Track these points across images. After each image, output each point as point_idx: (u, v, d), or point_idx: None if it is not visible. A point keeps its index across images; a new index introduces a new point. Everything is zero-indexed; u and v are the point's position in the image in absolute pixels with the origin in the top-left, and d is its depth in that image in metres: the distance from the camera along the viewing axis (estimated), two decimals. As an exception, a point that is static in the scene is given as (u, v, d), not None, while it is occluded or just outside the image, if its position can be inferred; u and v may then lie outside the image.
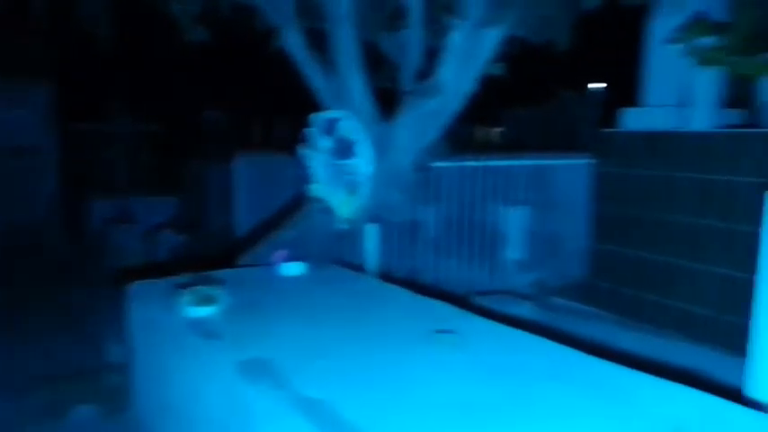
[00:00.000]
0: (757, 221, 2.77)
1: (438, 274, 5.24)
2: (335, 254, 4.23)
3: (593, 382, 2.20)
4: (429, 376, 2.23)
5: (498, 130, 15.57)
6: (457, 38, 4.58)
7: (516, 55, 4.90)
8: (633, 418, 1.96)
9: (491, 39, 4.59)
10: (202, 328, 2.65)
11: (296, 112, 4.95)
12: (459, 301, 3.39)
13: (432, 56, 4.84)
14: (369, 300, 3.17)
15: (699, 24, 4.78)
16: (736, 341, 3.27)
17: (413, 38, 4.89)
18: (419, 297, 3.16)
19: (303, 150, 4.44)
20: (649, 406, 2.04)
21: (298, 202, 4.94)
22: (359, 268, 4.21)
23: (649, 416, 1.97)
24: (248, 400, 2.15)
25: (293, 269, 3.57)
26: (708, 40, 4.70)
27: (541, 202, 5.82)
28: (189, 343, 2.60)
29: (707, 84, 4.97)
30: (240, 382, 2.20)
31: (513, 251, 5.72)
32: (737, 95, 5.22)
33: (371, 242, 4.48)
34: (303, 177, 4.47)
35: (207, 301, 2.83)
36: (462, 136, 9.70)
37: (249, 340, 2.52)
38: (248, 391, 2.15)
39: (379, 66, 5.14)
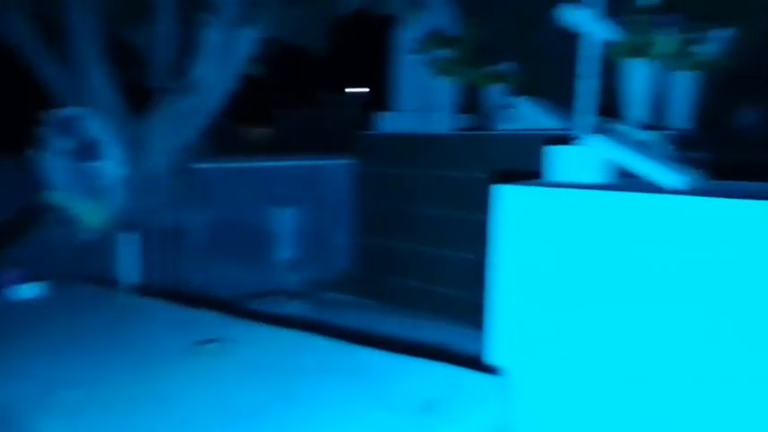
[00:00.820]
0: (487, 211, 3.17)
1: (208, 280, 5.03)
2: (82, 270, 3.77)
3: (355, 370, 2.30)
4: (191, 389, 2.11)
5: (267, 130, 15.56)
6: (212, 35, 4.43)
7: (281, 57, 4.93)
8: (389, 397, 2.10)
9: (247, 38, 4.54)
10: None
11: (24, 109, 4.30)
12: (228, 306, 3.28)
13: (187, 52, 4.61)
14: (123, 318, 2.89)
15: (435, 38, 5.34)
16: (479, 317, 3.73)
17: (163, 33, 4.60)
18: (182, 309, 2.98)
19: (35, 153, 3.87)
20: (404, 384, 2.20)
21: (29, 213, 4.29)
22: (112, 284, 3.82)
23: (404, 393, 2.13)
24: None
25: (28, 291, 3.10)
26: (443, 52, 5.28)
27: (309, 201, 5.96)
28: None
29: (444, 91, 5.58)
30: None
31: (284, 251, 5.76)
32: (470, 102, 5.96)
33: (127, 253, 4.10)
34: (36, 183, 3.90)
35: None
36: (228, 136, 9.46)
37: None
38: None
39: (128, 60, 4.73)
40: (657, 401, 2.37)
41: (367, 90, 16.24)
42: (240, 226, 5.41)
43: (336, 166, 6.27)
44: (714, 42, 3.97)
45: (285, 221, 5.77)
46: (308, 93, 13.42)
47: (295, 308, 5.22)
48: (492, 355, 2.72)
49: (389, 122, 6.01)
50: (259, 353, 2.47)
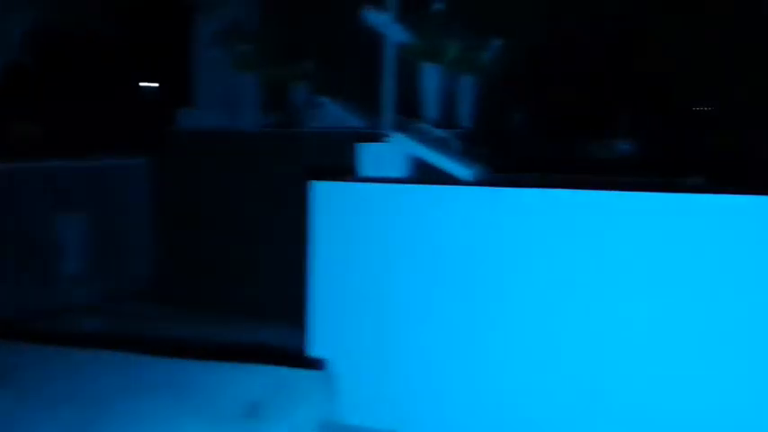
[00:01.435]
0: (300, 208, 3.19)
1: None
2: None
3: (167, 384, 2.16)
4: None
5: (37, 127, 13.70)
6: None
7: (60, 45, 4.37)
8: (208, 408, 2.01)
9: (14, 23, 3.96)
10: None
11: None
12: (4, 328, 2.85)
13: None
14: None
15: (236, 32, 5.19)
16: (298, 314, 3.75)
17: None
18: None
19: None
20: (224, 392, 2.13)
21: None
22: None
23: (225, 401, 2.05)
24: None
25: None
26: (243, 48, 5.15)
27: (100, 205, 5.40)
28: None
29: (248, 88, 5.46)
30: None
31: (72, 262, 5.16)
32: (276, 99, 5.91)
33: None
34: None
35: None
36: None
37: None
38: None
39: None
40: (472, 383, 2.60)
41: (161, 84, 15.16)
42: (15, 237, 4.73)
43: (132, 166, 5.77)
44: (491, 50, 4.46)
45: (71, 229, 5.16)
46: (94, 86, 12.13)
47: (90, 324, 4.72)
48: (314, 350, 2.75)
49: (192, 119, 5.70)
50: (45, 379, 2.18)
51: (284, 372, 2.28)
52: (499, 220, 2.52)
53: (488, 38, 4.52)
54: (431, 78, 4.05)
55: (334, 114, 4.97)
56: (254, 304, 5.43)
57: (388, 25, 3.20)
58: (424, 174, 3.17)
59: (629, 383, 2.46)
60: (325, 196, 2.71)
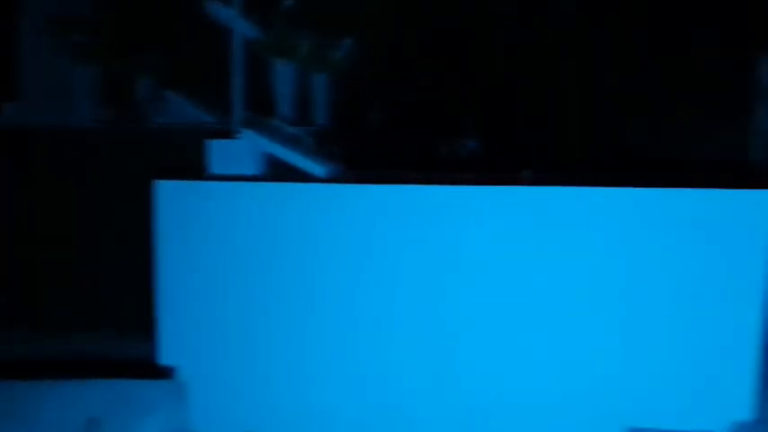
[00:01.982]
0: (145, 209, 3.00)
1: None
2: None
3: (-8, 409, 1.93)
4: None
5: None
6: None
7: None
8: (43, 428, 1.83)
9: None
10: None
11: None
12: None
13: None
14: None
15: (70, 20, 4.75)
16: (146, 322, 3.52)
17: None
18: None
19: None
20: (60, 411, 1.95)
21: None
22: None
23: (60, 421, 1.88)
24: None
25: None
26: (81, 38, 4.73)
27: None
28: None
29: (84, 80, 5.01)
30: None
31: None
32: (117, 92, 5.48)
33: None
34: None
35: None
36: None
37: None
38: None
39: None
40: (328, 387, 2.61)
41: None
42: None
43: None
44: (343, 49, 4.51)
45: None
46: None
47: None
48: (164, 358, 2.61)
49: (17, 114, 5.12)
50: None
51: (126, 384, 2.14)
52: (350, 216, 2.56)
53: (340, 36, 4.58)
54: (283, 75, 4.02)
55: (180, 109, 4.73)
56: (100, 315, 5.04)
57: (234, 19, 3.12)
58: (277, 171, 3.13)
59: (479, 373, 2.63)
60: (170, 196, 2.58)
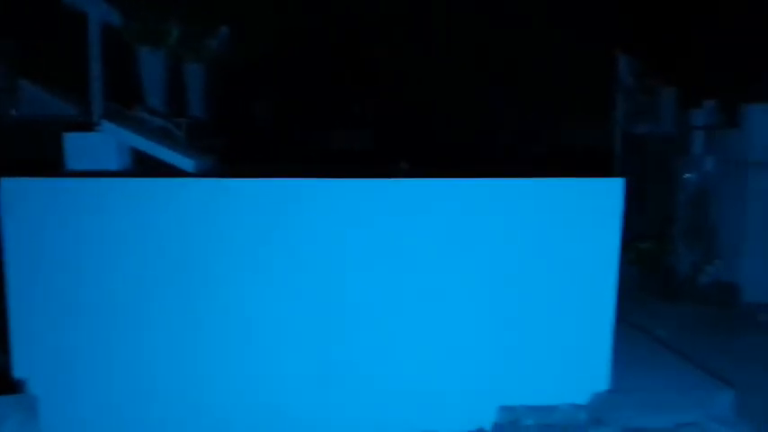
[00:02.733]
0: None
1: None
2: None
3: None
4: None
5: None
6: None
7: None
8: None
9: None
10: None
11: None
12: None
13: None
14: None
15: None
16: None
17: None
18: None
19: None
20: None
21: None
22: None
23: None
24: None
25: None
26: None
27: None
28: None
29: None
30: None
31: None
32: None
33: None
34: None
35: None
36: None
37: None
38: None
39: None
40: (186, 398, 2.50)
41: None
42: None
43: None
44: (219, 38, 4.34)
45: None
46: None
47: None
48: (17, 370, 2.39)
49: None
50: None
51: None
52: (220, 213, 2.47)
53: (216, 25, 4.40)
54: (151, 64, 3.78)
55: (37, 100, 4.36)
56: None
57: (90, 3, 2.90)
58: (143, 166, 2.96)
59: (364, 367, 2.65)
60: (17, 195, 2.36)
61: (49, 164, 2.85)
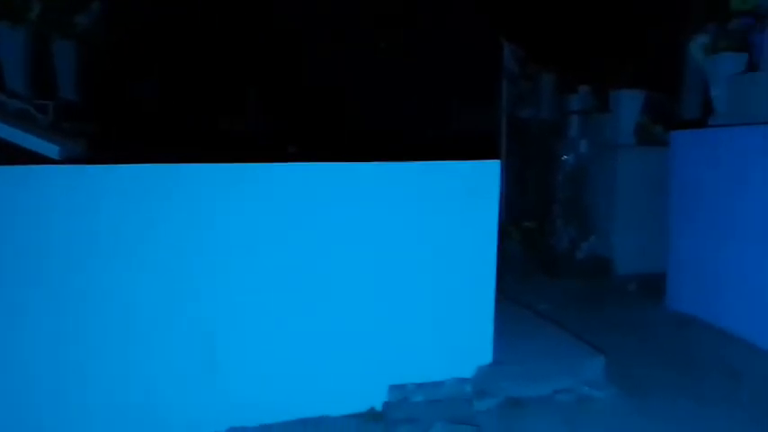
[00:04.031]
0: None
1: None
2: None
3: None
4: None
5: None
6: None
7: None
8: None
9: None
10: None
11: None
12: None
13: None
14: None
15: None
16: None
17: None
18: None
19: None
20: None
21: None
22: None
23: None
24: None
25: None
26: None
27: None
28: None
29: None
30: None
31: None
32: None
33: None
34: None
35: None
36: None
37: None
38: None
39: None
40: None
41: None
42: None
43: None
44: (90, 14, 4.04)
45: None
46: None
47: None
48: None
49: None
50: None
51: None
52: (89, 201, 2.31)
53: (87, 1, 4.10)
54: (11, 41, 3.46)
55: None
56: None
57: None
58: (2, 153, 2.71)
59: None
60: None
61: None
